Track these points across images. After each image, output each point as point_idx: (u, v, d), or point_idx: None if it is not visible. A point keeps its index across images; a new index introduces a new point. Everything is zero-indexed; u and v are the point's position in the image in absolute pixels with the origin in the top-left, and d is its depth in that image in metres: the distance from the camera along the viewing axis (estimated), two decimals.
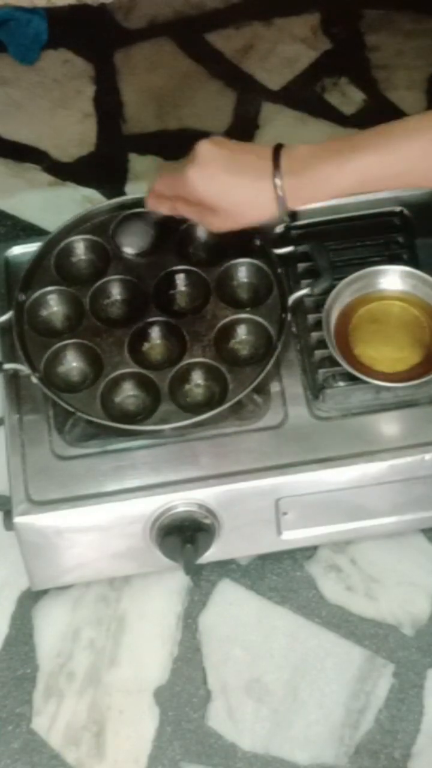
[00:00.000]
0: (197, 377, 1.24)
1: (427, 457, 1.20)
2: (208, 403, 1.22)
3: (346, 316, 1.26)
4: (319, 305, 1.26)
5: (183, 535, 1.20)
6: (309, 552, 1.34)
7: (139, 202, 1.29)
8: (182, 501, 1.19)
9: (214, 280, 1.28)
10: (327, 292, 1.25)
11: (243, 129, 1.70)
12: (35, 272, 1.29)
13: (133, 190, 1.36)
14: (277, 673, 1.28)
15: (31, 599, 1.33)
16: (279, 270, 1.27)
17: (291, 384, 1.25)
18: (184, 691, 1.28)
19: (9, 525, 1.20)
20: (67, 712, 1.27)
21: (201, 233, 1.31)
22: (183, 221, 1.27)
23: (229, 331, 1.26)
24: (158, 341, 1.26)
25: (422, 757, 1.23)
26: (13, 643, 1.31)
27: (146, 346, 1.26)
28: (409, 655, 1.29)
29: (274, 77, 1.76)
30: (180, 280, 1.29)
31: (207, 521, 1.21)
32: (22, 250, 1.35)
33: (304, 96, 1.73)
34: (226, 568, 1.34)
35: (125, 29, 1.82)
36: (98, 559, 1.27)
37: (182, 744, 1.25)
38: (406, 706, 1.26)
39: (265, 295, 1.27)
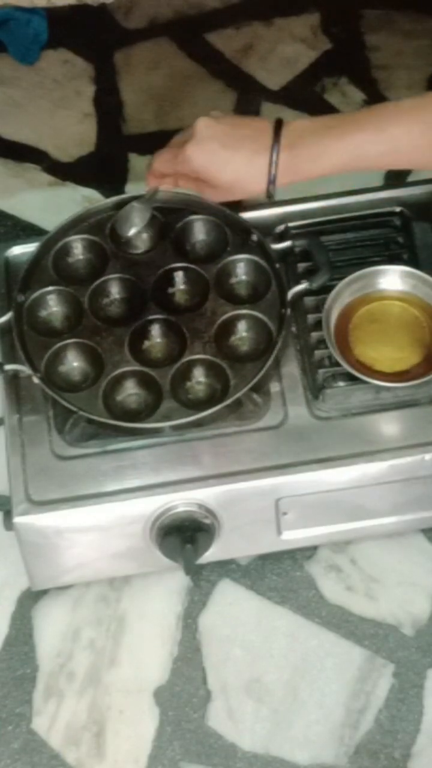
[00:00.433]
0: (198, 374, 1.24)
1: (427, 457, 1.20)
2: (210, 400, 1.22)
3: (345, 316, 1.26)
4: (319, 305, 1.26)
5: (183, 535, 1.20)
6: (309, 552, 1.34)
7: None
8: (182, 501, 1.19)
9: (213, 277, 1.28)
10: (326, 286, 1.25)
11: None
12: (33, 273, 1.29)
13: (133, 190, 1.36)
14: (277, 673, 1.28)
15: (31, 599, 1.33)
16: (277, 265, 1.27)
17: (291, 384, 1.25)
18: (184, 691, 1.28)
19: (9, 525, 1.20)
20: (67, 712, 1.27)
21: (198, 230, 1.32)
22: (178, 216, 1.29)
23: (229, 327, 1.26)
24: (158, 339, 1.26)
25: (422, 757, 1.23)
26: (13, 643, 1.31)
27: (146, 344, 1.26)
28: (409, 655, 1.29)
29: (274, 77, 1.76)
30: (179, 277, 1.29)
31: (207, 521, 1.21)
32: (22, 250, 1.35)
33: (304, 96, 1.73)
34: (226, 568, 1.34)
35: (125, 29, 1.82)
36: (98, 559, 1.27)
37: (182, 744, 1.25)
38: (406, 706, 1.26)
39: (264, 291, 1.27)
